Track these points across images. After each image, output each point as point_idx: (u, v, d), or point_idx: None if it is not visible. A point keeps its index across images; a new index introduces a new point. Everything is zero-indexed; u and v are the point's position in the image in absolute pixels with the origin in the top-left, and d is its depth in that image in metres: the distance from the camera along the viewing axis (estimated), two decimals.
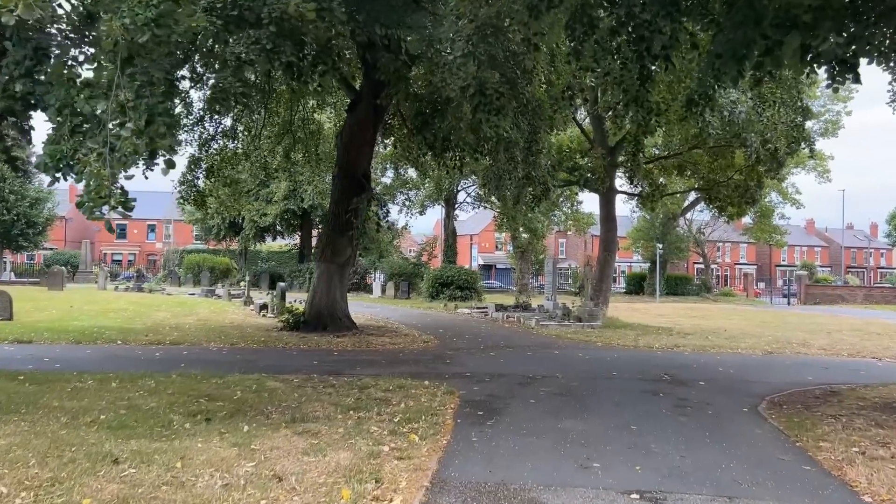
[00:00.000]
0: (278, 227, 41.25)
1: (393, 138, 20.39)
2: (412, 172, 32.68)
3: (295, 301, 22.27)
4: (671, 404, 8.51)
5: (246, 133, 19.73)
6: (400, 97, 14.48)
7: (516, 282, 51.94)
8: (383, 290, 35.79)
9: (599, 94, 20.97)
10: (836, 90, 9.18)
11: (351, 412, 7.44)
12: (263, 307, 21.89)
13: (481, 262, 73.57)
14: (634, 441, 6.57)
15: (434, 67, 11.04)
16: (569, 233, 67.15)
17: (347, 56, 14.88)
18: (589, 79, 12.00)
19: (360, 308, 25.41)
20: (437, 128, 14.83)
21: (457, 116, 12.41)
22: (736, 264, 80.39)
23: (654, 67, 9.79)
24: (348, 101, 17.20)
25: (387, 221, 20.56)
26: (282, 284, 22.33)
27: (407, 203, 37.08)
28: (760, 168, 21.53)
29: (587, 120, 24.63)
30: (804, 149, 16.07)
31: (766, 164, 20.79)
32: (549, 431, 6.90)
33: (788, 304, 47.42)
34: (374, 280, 37.20)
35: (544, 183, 20.52)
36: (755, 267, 79.84)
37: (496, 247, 73.34)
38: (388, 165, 35.68)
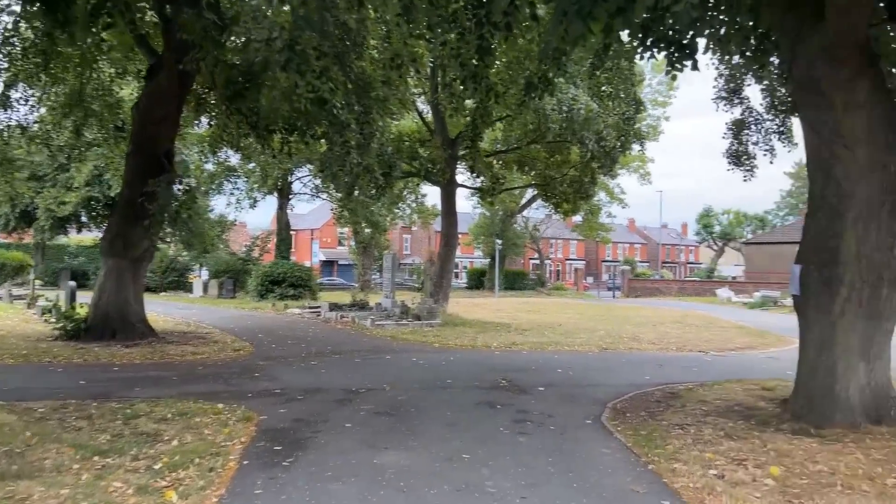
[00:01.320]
0: (83, 218, 36.01)
1: (208, 115, 17.84)
2: (236, 159, 29.83)
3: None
4: (510, 419, 7.39)
5: (23, 102, 16.27)
6: (208, 63, 12.27)
7: (358, 278, 50.23)
8: (205, 290, 32.46)
9: (439, 77, 20.02)
10: (673, 77, 8.63)
11: (96, 458, 5.47)
12: (48, 311, 18.34)
13: (323, 258, 70.85)
14: (466, 478, 5.27)
15: (240, 21, 9.17)
16: (414, 228, 66.64)
17: (141, 4, 12.40)
18: (425, 50, 10.72)
19: (171, 310, 22.43)
20: (255, 101, 12.81)
21: (270, 84, 10.57)
22: (567, 260, 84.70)
23: (493, 40, 8.71)
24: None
25: (204, 211, 18.01)
26: (71, 283, 18.82)
27: (234, 193, 33.90)
28: (594, 165, 21.75)
29: (430, 114, 23.64)
30: (635, 143, 16.10)
31: (600, 161, 21.00)
32: (362, 470, 5.43)
33: (613, 296, 50.22)
34: (197, 278, 33.71)
35: (385, 173, 19.15)
36: (584, 262, 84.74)
37: (339, 242, 70.88)
38: (205, 148, 32.41)
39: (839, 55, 6.48)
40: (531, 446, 6.32)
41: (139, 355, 11.50)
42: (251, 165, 32.19)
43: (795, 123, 14.39)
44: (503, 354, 13.25)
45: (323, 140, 14.71)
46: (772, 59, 10.91)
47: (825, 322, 6.79)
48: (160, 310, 20.99)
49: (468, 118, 14.18)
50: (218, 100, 15.62)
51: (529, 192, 45.98)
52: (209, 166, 32.75)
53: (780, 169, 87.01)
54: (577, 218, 60.12)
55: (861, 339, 6.67)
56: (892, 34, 8.04)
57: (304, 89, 8.60)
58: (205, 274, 34.28)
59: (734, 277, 69.65)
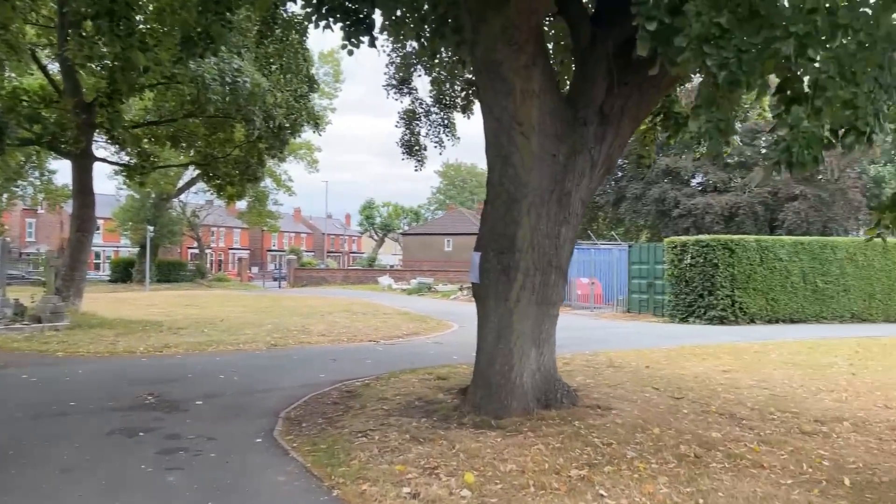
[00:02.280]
0: None
1: None
2: None
3: None
4: (157, 450, 5.75)
5: None
6: None
7: None
8: None
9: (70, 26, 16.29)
10: (350, 53, 7.93)
11: None
12: None
13: None
14: None
15: None
16: (39, 210, 55.97)
17: None
18: None
19: None
20: None
21: None
22: (230, 249, 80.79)
23: None
24: None
25: None
26: None
27: None
28: (262, 145, 20.28)
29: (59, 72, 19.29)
30: (307, 125, 15.17)
31: (268, 142, 19.63)
32: None
33: (280, 286, 49.20)
34: None
35: None
36: (248, 251, 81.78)
37: None
38: None
39: (519, 39, 6.40)
40: (184, 487, 4.86)
41: None
42: None
43: (458, 119, 15.11)
44: (151, 361, 11.08)
45: None
46: (444, 49, 11.03)
47: (504, 309, 6.72)
48: None
49: (106, 74, 11.46)
50: None
51: (188, 175, 42.07)
52: None
53: (433, 168, 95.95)
54: (241, 204, 57.43)
55: (533, 325, 6.75)
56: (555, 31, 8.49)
57: None
58: None
59: (392, 266, 74.53)
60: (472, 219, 63.40)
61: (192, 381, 9.05)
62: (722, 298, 19.45)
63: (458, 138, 15.13)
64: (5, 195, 38.69)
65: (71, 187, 26.86)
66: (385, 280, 47.91)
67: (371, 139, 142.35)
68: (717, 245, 19.72)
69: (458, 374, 9.35)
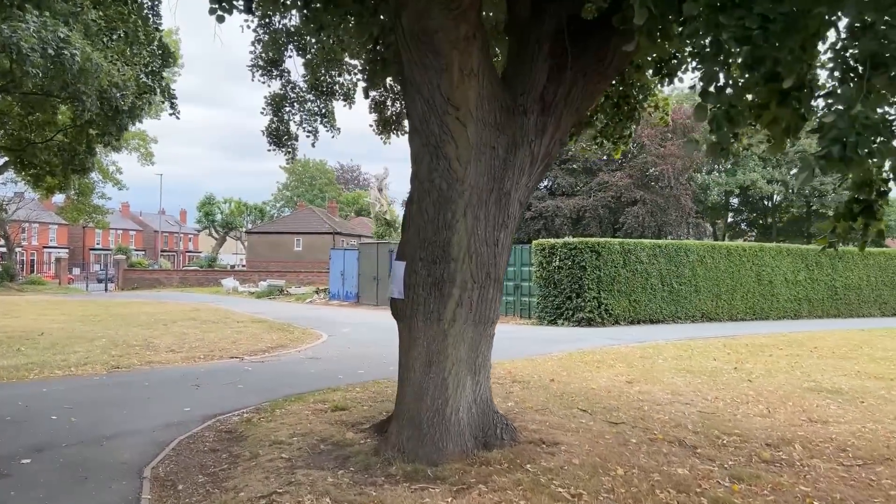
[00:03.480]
0: None
1: None
2: None
3: None
4: None
5: None
6: None
7: None
8: None
9: None
10: (220, 19, 6.44)
11: None
12: None
13: None
14: None
15: None
16: None
17: None
18: None
19: None
20: None
21: None
22: (45, 248, 71.68)
23: None
24: None
25: None
26: None
27: None
28: (92, 131, 17.41)
29: None
30: (164, 103, 12.89)
31: (101, 127, 16.84)
32: None
33: (106, 290, 44.06)
34: None
35: None
36: (67, 250, 72.95)
37: None
38: None
39: (460, 5, 5.31)
40: None
41: None
42: None
43: (338, 107, 13.69)
44: None
45: None
46: (331, 23, 9.65)
47: (436, 330, 5.61)
48: None
49: None
50: None
51: None
52: None
53: (277, 162, 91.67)
54: (60, 198, 50.76)
55: (469, 348, 5.72)
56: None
57: None
58: None
59: (233, 266, 70.05)
60: (324, 217, 61.18)
61: (13, 427, 6.90)
62: (589, 300, 19.71)
63: (339, 129, 13.71)
64: None
65: None
66: (230, 282, 44.52)
67: (206, 132, 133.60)
68: (584, 247, 19.96)
69: (357, 401, 8.07)
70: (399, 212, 48.28)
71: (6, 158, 33.62)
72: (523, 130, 5.96)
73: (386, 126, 12.97)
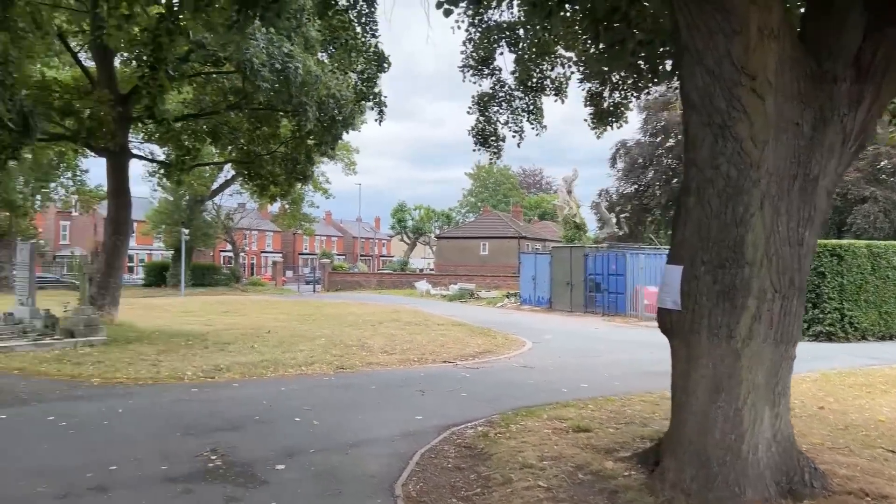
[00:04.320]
0: None
1: None
2: None
3: None
4: None
5: None
6: None
7: None
8: None
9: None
10: (447, 13, 5.96)
11: None
12: None
13: None
14: None
15: None
16: (73, 213, 55.25)
17: None
18: None
19: None
20: None
21: None
22: (263, 252, 79.70)
23: None
24: None
25: None
26: None
27: None
28: (310, 141, 18.47)
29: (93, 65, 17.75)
30: (374, 110, 13.19)
31: (319, 137, 17.79)
32: None
33: (314, 291, 47.50)
34: None
35: (18, 130, 13.18)
36: (281, 255, 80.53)
37: None
38: None
39: None
40: None
41: None
42: None
43: (547, 103, 13.09)
44: (204, 392, 9.15)
45: None
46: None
47: (725, 350, 4.64)
48: None
49: (146, 51, 9.54)
50: None
51: (223, 175, 40.64)
52: None
53: (462, 170, 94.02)
54: (274, 208, 55.94)
55: (768, 372, 4.67)
56: None
57: None
58: None
59: (422, 269, 72.61)
60: (508, 221, 61.18)
61: (261, 428, 7.07)
62: (830, 312, 17.07)
63: (545, 127, 13.07)
64: (38, 196, 37.44)
65: (104, 188, 25.41)
66: (422, 285, 45.92)
67: (390, 144, 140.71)
68: (823, 251, 17.32)
69: (596, 421, 7.26)
70: (587, 215, 46.70)
71: (233, 173, 37.64)
72: (833, 102, 4.79)
73: (601, 118, 12.13)
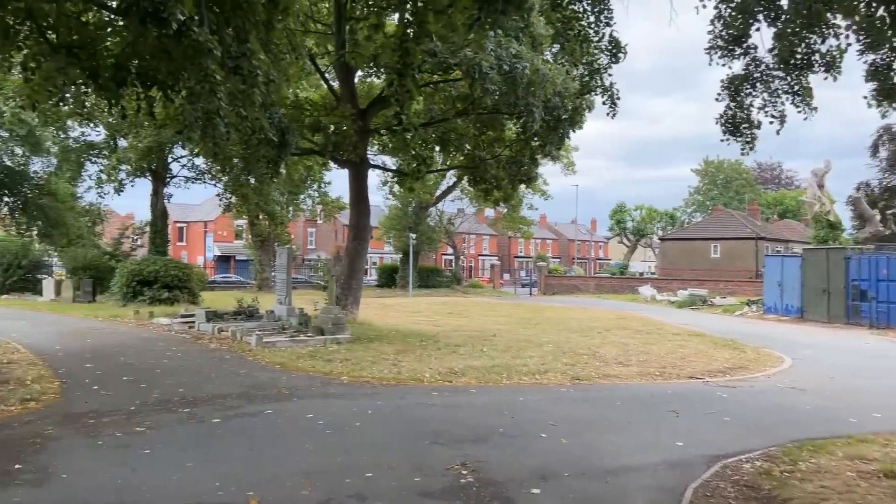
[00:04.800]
0: None
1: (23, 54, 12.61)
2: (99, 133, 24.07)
3: None
4: None
5: None
6: None
7: (256, 276, 44.83)
8: (57, 291, 26.44)
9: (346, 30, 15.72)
10: None
11: None
12: None
13: (218, 253, 64.49)
14: None
15: None
16: (318, 221, 61.63)
17: None
18: None
19: None
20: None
21: None
22: (480, 255, 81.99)
23: None
24: None
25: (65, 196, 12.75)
26: None
27: (100, 176, 27.91)
28: (534, 143, 18.15)
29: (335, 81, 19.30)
30: (605, 104, 12.44)
31: (543, 138, 17.39)
32: None
33: (530, 293, 47.45)
34: (47, 277, 27.59)
35: (277, 143, 14.59)
36: (497, 258, 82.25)
37: (236, 235, 64.45)
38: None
39: None
40: None
41: None
42: (123, 143, 26.45)
43: (814, 80, 11.25)
44: (443, 397, 9.12)
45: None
46: None
47: None
48: None
49: (392, 61, 9.86)
50: (40, 35, 10.34)
51: (445, 183, 42.32)
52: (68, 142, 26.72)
53: (688, 167, 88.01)
54: (490, 212, 57.08)
55: None
56: None
57: None
58: (62, 272, 28.17)
59: (642, 273, 69.08)
60: (744, 221, 55.64)
61: (508, 442, 6.71)
62: None
63: (815, 108, 11.21)
64: (291, 207, 42.13)
65: (342, 198, 27.73)
66: (647, 290, 43.46)
67: (602, 142, 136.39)
68: None
69: None
70: (841, 212, 40.74)
71: (454, 180, 39.11)
72: None
73: (889, 95, 10.11)
